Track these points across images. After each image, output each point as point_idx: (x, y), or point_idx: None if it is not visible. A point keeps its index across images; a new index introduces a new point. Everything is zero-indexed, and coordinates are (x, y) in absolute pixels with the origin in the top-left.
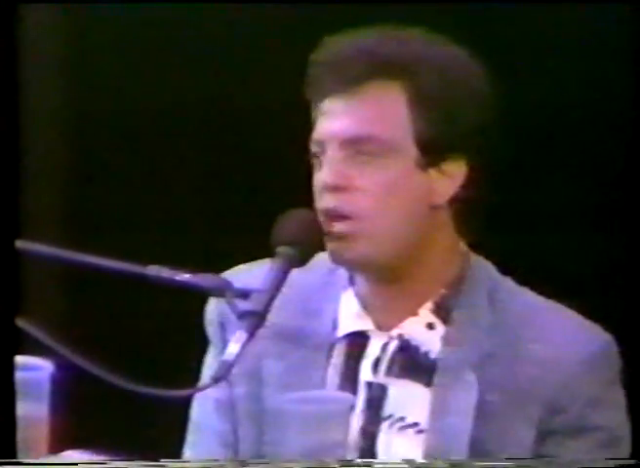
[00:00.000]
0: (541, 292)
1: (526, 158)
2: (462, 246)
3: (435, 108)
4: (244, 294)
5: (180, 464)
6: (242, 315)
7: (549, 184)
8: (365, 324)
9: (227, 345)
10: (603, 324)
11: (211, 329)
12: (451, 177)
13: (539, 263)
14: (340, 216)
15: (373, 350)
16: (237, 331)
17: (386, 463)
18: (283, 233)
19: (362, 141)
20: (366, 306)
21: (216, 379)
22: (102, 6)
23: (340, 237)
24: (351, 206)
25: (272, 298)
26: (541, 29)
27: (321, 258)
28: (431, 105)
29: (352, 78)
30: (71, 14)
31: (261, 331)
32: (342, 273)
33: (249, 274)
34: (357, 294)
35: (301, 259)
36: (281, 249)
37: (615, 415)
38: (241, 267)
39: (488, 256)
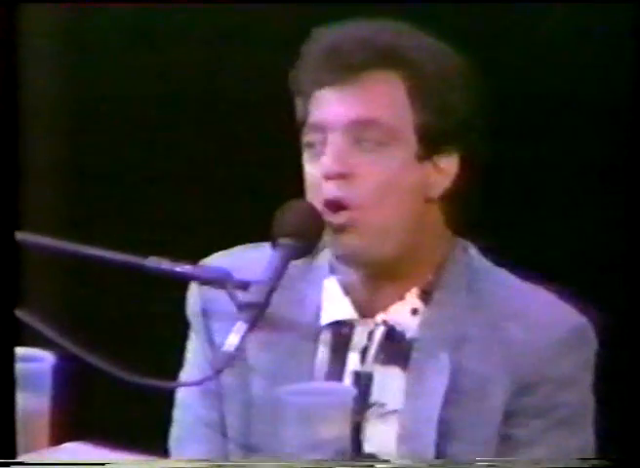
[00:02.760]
0: (529, 278)
1: (520, 152)
2: (448, 232)
3: (433, 99)
4: (244, 285)
5: (183, 463)
6: (242, 306)
7: (545, 176)
8: (349, 312)
9: (212, 333)
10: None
11: (193, 318)
12: (445, 171)
13: (526, 251)
14: (342, 207)
15: (359, 338)
16: (220, 318)
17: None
18: (284, 224)
19: (366, 126)
20: (349, 293)
21: (216, 371)
22: (103, 6)
23: (342, 228)
24: (353, 195)
25: (273, 290)
26: (540, 25)
27: None
28: (430, 96)
29: (354, 66)
30: (71, 14)
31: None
32: (322, 260)
33: (242, 256)
34: (340, 282)
35: (302, 251)
36: (282, 240)
37: (580, 395)
38: (235, 250)
39: (475, 243)
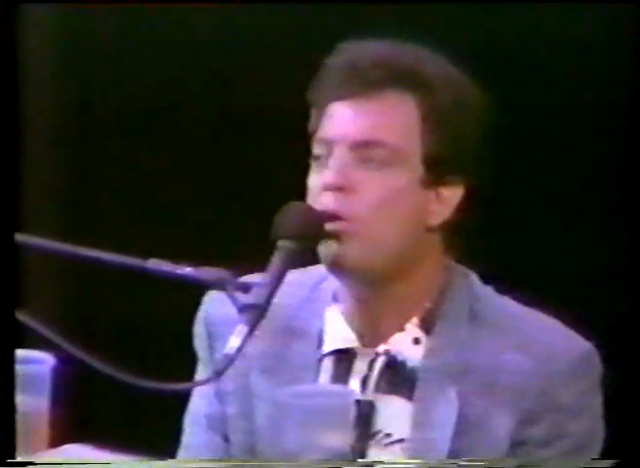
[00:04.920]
0: (530, 303)
1: (518, 173)
2: (447, 259)
3: (446, 127)
4: (245, 288)
5: (182, 463)
6: (243, 309)
7: (542, 199)
8: (350, 341)
9: (216, 352)
10: (592, 333)
11: (197, 340)
12: (447, 201)
13: (526, 276)
14: (337, 217)
15: (360, 367)
16: (225, 338)
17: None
18: (284, 227)
19: (372, 146)
20: (351, 322)
21: (217, 373)
22: (102, 6)
23: (335, 237)
24: (349, 208)
25: (273, 292)
26: (540, 38)
27: (304, 275)
28: (442, 124)
29: (370, 83)
30: (71, 14)
31: (247, 349)
32: (326, 289)
33: None
34: (342, 311)
35: (302, 253)
36: (282, 242)
37: (587, 422)
38: None
39: (474, 269)
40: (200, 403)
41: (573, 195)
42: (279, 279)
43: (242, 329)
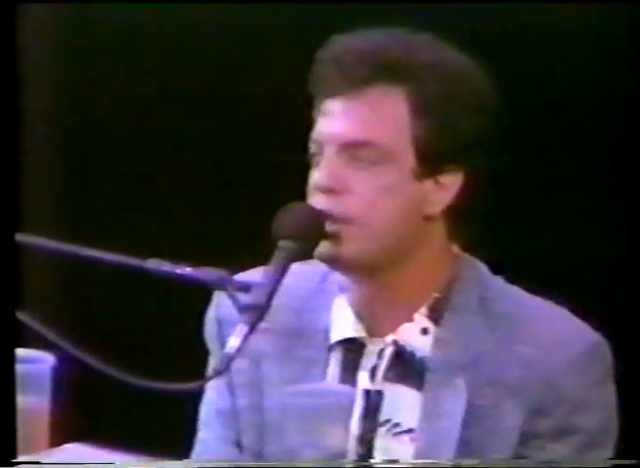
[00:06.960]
0: (537, 293)
1: (522, 162)
2: (455, 248)
3: (437, 117)
4: (245, 288)
5: (181, 464)
6: (243, 309)
7: (545, 188)
8: (357, 331)
9: (226, 342)
10: (600, 322)
11: (210, 326)
12: (446, 189)
13: (534, 265)
14: (331, 218)
15: (369, 357)
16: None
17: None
18: (284, 227)
19: (360, 146)
20: (358, 313)
21: (217, 372)
22: (102, 6)
23: (330, 237)
24: (343, 208)
25: (273, 292)
26: (540, 34)
27: (312, 267)
28: (433, 114)
29: (356, 80)
30: (71, 14)
31: (259, 340)
32: (334, 280)
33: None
34: (349, 301)
35: (302, 253)
36: (282, 242)
37: (599, 417)
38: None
39: (482, 259)
40: (212, 397)
41: (580, 182)
42: (279, 279)
43: (242, 329)
